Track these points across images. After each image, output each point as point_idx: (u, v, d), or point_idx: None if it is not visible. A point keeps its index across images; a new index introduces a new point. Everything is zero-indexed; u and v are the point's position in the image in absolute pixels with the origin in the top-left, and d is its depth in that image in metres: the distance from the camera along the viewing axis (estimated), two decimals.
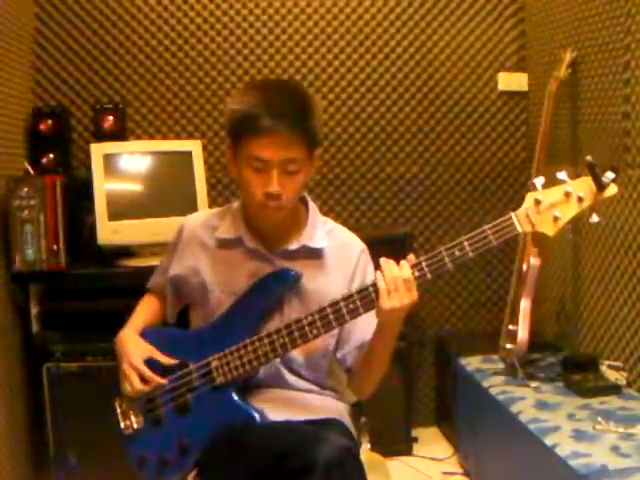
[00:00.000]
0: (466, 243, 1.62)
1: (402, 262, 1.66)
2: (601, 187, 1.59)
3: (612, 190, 1.60)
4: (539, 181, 1.63)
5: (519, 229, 1.62)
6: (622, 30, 2.59)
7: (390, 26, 3.40)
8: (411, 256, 1.68)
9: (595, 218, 1.62)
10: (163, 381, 1.81)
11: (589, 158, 1.60)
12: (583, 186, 1.61)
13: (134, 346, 1.86)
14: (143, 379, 1.81)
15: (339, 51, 3.40)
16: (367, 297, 1.67)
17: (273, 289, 1.78)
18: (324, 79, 3.40)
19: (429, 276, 1.64)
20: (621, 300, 2.65)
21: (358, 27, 3.39)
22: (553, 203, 1.61)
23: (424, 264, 1.64)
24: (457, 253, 1.63)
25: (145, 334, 1.91)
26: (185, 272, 1.90)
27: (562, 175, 1.62)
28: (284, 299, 1.81)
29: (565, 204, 1.61)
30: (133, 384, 1.81)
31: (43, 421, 2.74)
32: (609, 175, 1.58)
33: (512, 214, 1.63)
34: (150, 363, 1.83)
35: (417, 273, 1.65)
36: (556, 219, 1.61)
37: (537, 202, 1.62)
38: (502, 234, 1.62)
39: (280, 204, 1.75)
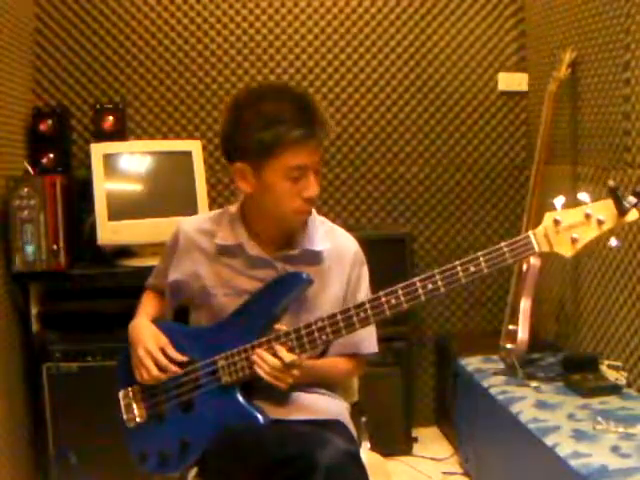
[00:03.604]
0: (482, 259, 1.61)
1: (277, 348, 1.69)
2: (622, 212, 1.56)
3: (633, 215, 1.57)
4: (559, 201, 1.60)
5: (536, 249, 1.59)
6: (622, 30, 2.59)
7: (390, 26, 3.40)
8: (281, 326, 1.72)
9: (614, 242, 1.59)
10: (179, 370, 1.79)
11: (612, 182, 1.56)
12: (604, 209, 1.57)
13: (150, 333, 1.85)
14: (159, 367, 1.80)
15: (339, 51, 3.40)
16: (379, 307, 1.67)
17: (285, 292, 1.77)
18: (324, 79, 3.40)
19: (442, 290, 1.63)
20: (621, 300, 2.65)
21: (358, 27, 3.39)
22: (572, 224, 1.58)
23: (437, 277, 1.63)
24: (472, 269, 1.61)
25: (157, 326, 1.90)
26: (185, 277, 1.89)
27: (583, 196, 1.59)
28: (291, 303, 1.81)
29: (585, 226, 1.58)
30: (149, 370, 1.79)
31: (43, 421, 2.75)
32: (631, 200, 1.55)
33: (530, 233, 1.60)
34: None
35: (422, 290, 1.64)
36: (574, 241, 1.58)
37: (556, 222, 1.59)
38: (519, 252, 1.60)
39: (313, 205, 1.81)
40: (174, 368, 1.79)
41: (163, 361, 1.80)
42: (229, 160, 1.80)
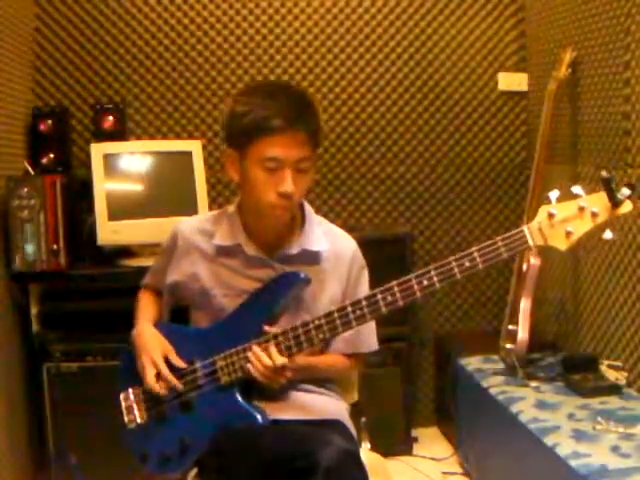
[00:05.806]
0: (476, 254, 1.61)
1: (270, 349, 1.69)
2: (616, 203, 1.55)
3: (627, 207, 1.56)
4: (554, 194, 1.60)
5: (531, 242, 1.59)
6: (622, 30, 2.59)
7: (390, 26, 3.40)
8: (268, 328, 1.73)
9: (609, 235, 1.57)
10: (179, 385, 1.80)
11: (605, 173, 1.56)
12: (598, 201, 1.57)
13: (155, 342, 1.86)
14: (162, 378, 1.81)
15: (339, 51, 3.40)
16: (375, 304, 1.67)
17: (283, 292, 1.78)
18: (324, 79, 3.40)
19: (437, 285, 1.63)
20: (621, 300, 2.65)
21: (358, 27, 3.39)
22: (566, 217, 1.58)
23: (433, 273, 1.63)
24: (467, 264, 1.62)
25: (158, 329, 1.91)
26: (184, 279, 1.90)
27: (577, 189, 1.58)
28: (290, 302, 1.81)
29: (579, 219, 1.57)
30: (147, 380, 1.81)
31: (43, 421, 2.75)
32: (625, 192, 1.54)
33: (524, 227, 1.60)
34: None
35: (418, 286, 1.64)
36: (569, 234, 1.58)
37: (550, 215, 1.58)
38: (513, 246, 1.60)
39: (291, 203, 1.76)
40: (174, 381, 1.80)
41: (165, 371, 1.80)
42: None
